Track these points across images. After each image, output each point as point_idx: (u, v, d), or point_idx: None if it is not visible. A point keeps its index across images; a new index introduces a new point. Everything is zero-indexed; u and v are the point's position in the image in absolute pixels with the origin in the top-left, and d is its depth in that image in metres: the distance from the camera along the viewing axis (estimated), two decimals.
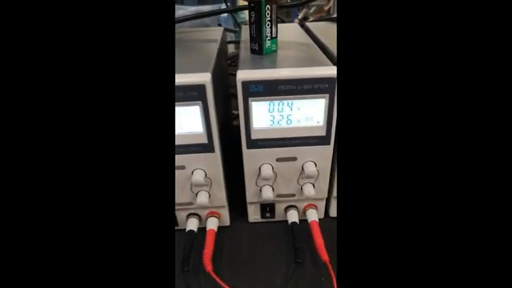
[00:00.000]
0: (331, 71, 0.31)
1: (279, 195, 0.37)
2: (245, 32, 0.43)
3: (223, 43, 0.48)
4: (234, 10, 0.57)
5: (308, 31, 0.50)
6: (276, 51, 0.37)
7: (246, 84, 0.30)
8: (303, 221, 0.37)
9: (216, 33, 0.49)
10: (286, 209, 0.39)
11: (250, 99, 0.31)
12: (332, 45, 0.39)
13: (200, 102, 0.30)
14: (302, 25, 0.55)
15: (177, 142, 0.33)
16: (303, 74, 0.30)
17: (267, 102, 0.31)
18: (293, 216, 0.37)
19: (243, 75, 0.30)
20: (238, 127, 0.33)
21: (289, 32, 0.50)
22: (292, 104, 0.32)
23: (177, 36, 0.48)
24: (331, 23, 0.55)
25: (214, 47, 0.40)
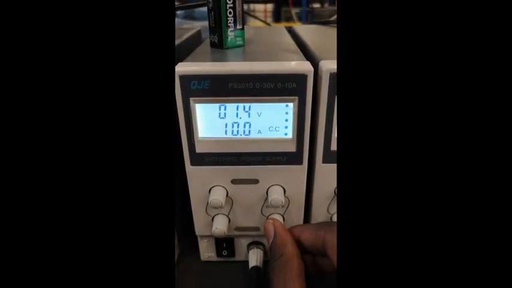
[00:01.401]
0: (302, 66, 0.23)
1: (238, 228, 0.29)
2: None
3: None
4: None
5: (293, 34, 0.43)
6: (242, 46, 0.30)
7: (185, 79, 0.23)
8: None
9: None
10: (249, 246, 0.30)
11: (192, 100, 0.23)
12: (314, 46, 0.31)
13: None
14: (289, 30, 0.49)
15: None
16: (262, 68, 0.23)
17: (216, 105, 0.24)
18: (255, 258, 0.28)
19: (182, 68, 0.23)
20: None
21: (269, 33, 0.43)
22: (250, 108, 0.24)
23: None
24: (322, 26, 0.48)
25: None
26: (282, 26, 0.49)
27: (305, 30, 0.43)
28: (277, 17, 2.70)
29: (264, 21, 0.93)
